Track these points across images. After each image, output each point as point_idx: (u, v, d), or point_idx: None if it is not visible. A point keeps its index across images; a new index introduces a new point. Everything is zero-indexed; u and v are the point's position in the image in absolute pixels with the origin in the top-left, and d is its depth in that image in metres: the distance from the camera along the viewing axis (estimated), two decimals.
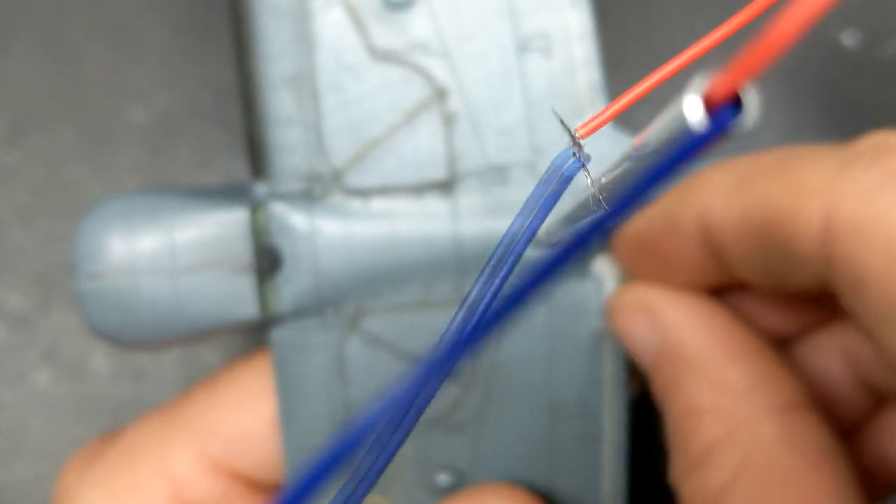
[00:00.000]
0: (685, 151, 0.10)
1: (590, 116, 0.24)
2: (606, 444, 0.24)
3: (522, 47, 0.24)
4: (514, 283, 0.11)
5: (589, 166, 0.14)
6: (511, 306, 0.11)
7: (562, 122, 0.13)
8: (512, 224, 0.14)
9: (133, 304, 0.23)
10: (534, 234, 0.13)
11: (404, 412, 0.13)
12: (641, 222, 0.22)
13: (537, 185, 0.14)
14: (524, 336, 0.24)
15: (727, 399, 0.20)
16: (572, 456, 0.25)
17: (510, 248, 0.14)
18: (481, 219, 0.23)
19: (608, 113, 0.12)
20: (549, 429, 0.24)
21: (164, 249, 0.23)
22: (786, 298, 0.23)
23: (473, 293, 0.14)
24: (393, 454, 0.12)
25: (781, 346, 0.23)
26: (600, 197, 0.14)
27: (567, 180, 0.13)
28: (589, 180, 0.13)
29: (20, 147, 0.35)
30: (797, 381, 0.21)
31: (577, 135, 0.13)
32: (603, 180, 0.14)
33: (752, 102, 0.10)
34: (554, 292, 0.24)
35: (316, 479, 0.11)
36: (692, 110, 0.10)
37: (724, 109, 0.10)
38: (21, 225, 0.35)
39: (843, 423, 0.23)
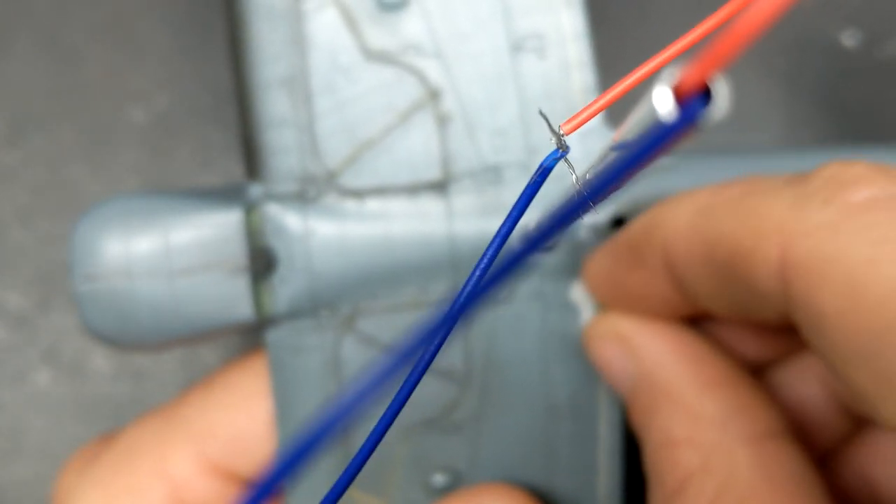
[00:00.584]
0: (655, 142, 0.10)
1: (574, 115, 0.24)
2: (602, 444, 0.24)
3: (516, 48, 0.24)
4: (489, 271, 0.11)
5: (576, 164, 0.14)
6: (484, 290, 0.11)
7: (545, 120, 0.13)
8: (501, 227, 0.14)
9: (129, 305, 0.23)
10: (512, 228, 0.13)
11: (392, 398, 0.13)
12: (608, 255, 0.22)
13: (527, 185, 0.14)
14: (519, 337, 0.24)
15: (702, 429, 0.20)
16: (568, 456, 0.25)
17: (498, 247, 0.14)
18: (476, 219, 0.23)
19: (592, 109, 0.12)
20: (545, 429, 0.24)
21: (159, 251, 0.23)
22: (760, 326, 0.22)
23: (462, 296, 0.14)
24: (381, 434, 0.13)
25: (758, 372, 0.23)
26: (584, 192, 0.14)
27: (546, 172, 0.13)
28: (574, 176, 0.13)
29: (20, 147, 0.35)
30: (773, 409, 0.21)
31: (561, 132, 0.13)
32: (587, 176, 0.14)
33: (722, 93, 0.10)
34: (546, 292, 0.24)
35: (300, 455, 0.11)
36: (661, 102, 0.10)
37: (693, 100, 0.10)
38: (21, 225, 0.35)
39: (821, 446, 0.23)
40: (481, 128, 0.23)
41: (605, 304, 0.23)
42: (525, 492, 0.24)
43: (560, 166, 0.15)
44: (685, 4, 0.35)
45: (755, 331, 0.23)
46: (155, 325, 0.23)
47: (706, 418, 0.20)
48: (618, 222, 0.23)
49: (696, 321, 0.23)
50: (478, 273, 0.14)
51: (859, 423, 0.23)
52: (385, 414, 0.13)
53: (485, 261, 0.14)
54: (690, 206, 0.20)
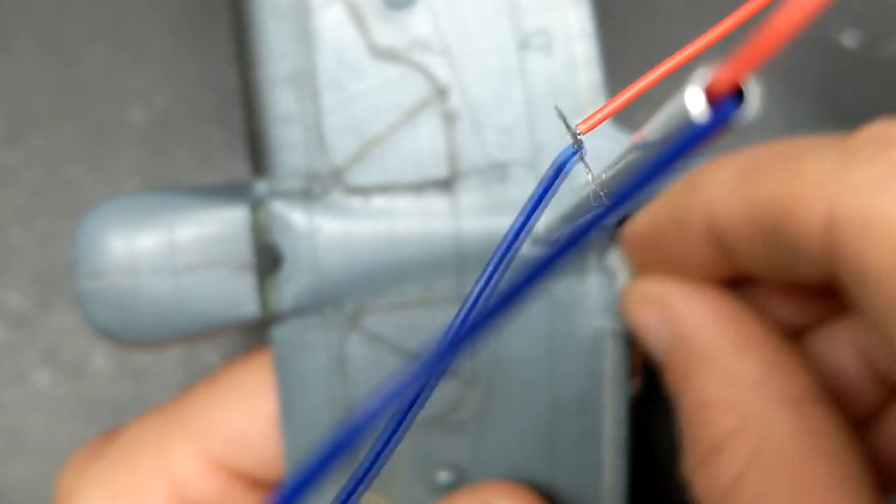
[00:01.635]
0: (687, 143, 0.10)
1: (590, 114, 0.24)
2: (607, 442, 0.24)
3: (523, 45, 0.24)
4: (512, 279, 0.11)
5: (589, 163, 0.14)
6: (508, 302, 0.11)
7: (562, 118, 0.13)
8: (514, 222, 0.14)
9: (134, 302, 0.23)
10: (529, 226, 0.13)
11: (403, 408, 0.13)
12: (647, 218, 0.22)
13: (539, 183, 0.14)
14: (525, 334, 0.24)
15: (738, 391, 0.20)
16: (573, 453, 0.25)
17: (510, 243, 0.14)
18: (482, 217, 0.24)
19: (609, 108, 0.12)
20: (549, 426, 0.24)
21: (164, 248, 0.23)
22: (798, 290, 0.22)
23: (475, 290, 0.14)
24: (391, 448, 0.12)
25: (795, 337, 0.23)
26: (601, 193, 0.14)
27: (560, 170, 0.13)
28: (590, 175, 0.13)
29: (20, 147, 0.35)
30: (809, 373, 0.21)
31: (577, 131, 0.13)
32: (603, 176, 0.14)
33: (754, 94, 0.10)
34: (552, 289, 0.24)
35: (315, 472, 0.11)
36: (694, 102, 0.10)
37: (725, 101, 0.10)
38: (21, 225, 0.35)
39: (856, 415, 0.23)
40: (487, 125, 0.24)
41: (643, 267, 0.23)
42: (530, 490, 0.24)
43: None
44: (688, 3, 0.35)
45: (793, 295, 0.23)
46: (159, 323, 0.23)
47: (742, 380, 0.20)
48: (625, 219, 0.24)
49: (734, 285, 0.23)
50: (490, 268, 0.14)
51: (894, 392, 0.23)
52: (394, 422, 0.13)
53: (497, 257, 0.14)
54: (734, 167, 0.20)
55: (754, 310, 0.22)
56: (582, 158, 0.14)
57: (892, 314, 0.16)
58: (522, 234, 0.13)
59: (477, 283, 0.14)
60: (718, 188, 0.20)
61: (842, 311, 0.23)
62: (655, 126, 0.12)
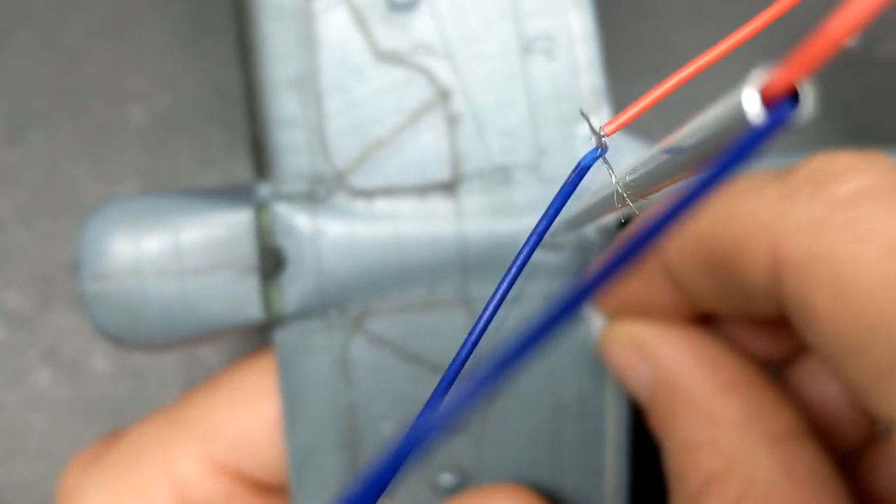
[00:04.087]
0: (744, 147, 0.10)
1: (595, 117, 0.24)
2: (609, 444, 0.25)
3: (526, 49, 0.24)
4: (519, 336, 0.11)
5: (610, 165, 0.14)
6: (516, 357, 0.10)
7: (586, 118, 0.13)
8: (537, 224, 0.14)
9: (138, 305, 0.23)
10: (548, 227, 0.13)
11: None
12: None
13: (563, 184, 0.14)
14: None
15: (723, 432, 0.20)
16: (576, 455, 0.25)
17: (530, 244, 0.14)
18: (485, 219, 0.24)
19: (634, 110, 0.12)
20: (552, 428, 0.24)
21: (169, 250, 0.23)
22: (774, 324, 0.23)
23: (498, 291, 0.14)
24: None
25: (777, 369, 0.23)
26: (625, 194, 0.14)
27: (584, 171, 0.13)
28: (613, 177, 0.13)
29: (20, 147, 0.35)
30: (792, 409, 0.21)
31: (602, 133, 0.13)
32: (627, 178, 0.14)
33: (809, 96, 0.10)
34: (555, 292, 0.24)
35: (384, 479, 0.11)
36: (750, 103, 0.10)
37: (781, 103, 0.10)
38: (21, 225, 0.35)
39: (842, 447, 0.23)
40: (491, 128, 0.24)
41: (612, 314, 0.23)
42: (533, 492, 0.24)
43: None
44: (686, 5, 0.35)
45: (768, 329, 0.23)
46: (164, 325, 0.23)
47: (727, 421, 0.20)
48: (624, 222, 0.24)
49: (710, 322, 0.23)
50: (514, 270, 0.14)
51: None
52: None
53: (520, 259, 0.14)
54: None
55: (732, 347, 0.22)
56: (604, 158, 0.14)
57: (836, 352, 0.16)
58: (545, 235, 0.13)
59: (501, 283, 0.14)
60: None
61: None
62: (693, 130, 0.11)
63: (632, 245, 0.10)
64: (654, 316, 0.22)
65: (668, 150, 0.12)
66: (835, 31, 0.09)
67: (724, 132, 0.10)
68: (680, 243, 0.20)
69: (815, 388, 0.23)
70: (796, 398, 0.23)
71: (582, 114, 0.14)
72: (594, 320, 0.24)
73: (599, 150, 0.13)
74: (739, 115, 0.10)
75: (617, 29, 0.34)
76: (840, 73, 0.35)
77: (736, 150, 0.10)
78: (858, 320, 0.16)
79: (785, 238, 0.17)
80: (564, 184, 0.13)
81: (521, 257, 0.13)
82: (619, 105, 0.24)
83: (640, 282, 0.21)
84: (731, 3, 0.34)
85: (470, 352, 0.11)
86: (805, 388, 0.23)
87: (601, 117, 0.24)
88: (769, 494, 0.19)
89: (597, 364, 0.24)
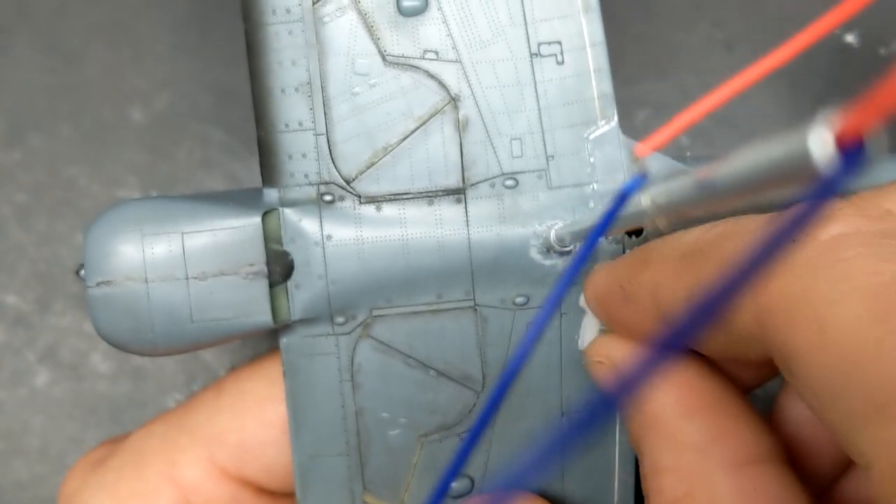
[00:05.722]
0: (822, 191, 0.09)
1: (601, 124, 0.24)
2: (617, 450, 0.25)
3: (535, 54, 0.24)
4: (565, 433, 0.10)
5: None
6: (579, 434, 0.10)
7: (627, 148, 0.13)
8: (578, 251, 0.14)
9: (144, 310, 0.23)
10: (588, 253, 0.13)
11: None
12: (602, 286, 0.22)
13: (605, 212, 0.14)
14: (537, 345, 0.24)
15: (685, 457, 0.20)
16: (583, 462, 0.25)
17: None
18: (493, 225, 0.23)
19: (669, 131, 0.12)
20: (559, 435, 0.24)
21: (175, 255, 0.23)
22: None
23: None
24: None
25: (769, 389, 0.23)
26: (658, 214, 0.13)
27: (624, 198, 0.13)
28: (644, 200, 0.13)
29: (20, 147, 0.35)
30: (762, 433, 0.21)
31: (639, 159, 0.13)
32: (659, 200, 0.14)
33: (879, 142, 0.09)
34: (563, 302, 0.24)
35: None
36: (821, 147, 0.09)
37: (853, 149, 0.09)
38: (20, 225, 0.34)
39: (821, 473, 0.23)
40: (499, 134, 0.23)
41: (605, 325, 0.23)
42: (541, 499, 0.24)
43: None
44: (687, 6, 0.35)
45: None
46: (170, 331, 0.23)
47: (689, 445, 0.20)
48: (633, 231, 0.24)
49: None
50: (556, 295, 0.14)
51: None
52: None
53: (562, 286, 0.14)
54: (676, 250, 0.20)
55: (709, 369, 0.22)
56: (645, 187, 0.13)
57: (815, 395, 0.16)
58: (588, 255, 0.13)
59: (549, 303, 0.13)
60: (661, 270, 0.20)
61: None
62: (741, 168, 0.11)
63: (702, 311, 0.09)
64: (641, 337, 0.22)
65: (708, 183, 0.12)
66: None
67: (782, 175, 0.10)
68: (673, 284, 0.20)
69: (798, 413, 0.23)
70: (782, 422, 0.23)
71: (622, 143, 0.14)
72: (586, 330, 0.24)
73: (640, 176, 0.13)
74: (803, 160, 0.09)
75: (619, 29, 0.34)
76: (844, 72, 0.35)
77: (815, 196, 0.09)
78: (837, 363, 0.16)
79: (769, 282, 0.17)
80: (607, 211, 0.13)
81: (560, 288, 0.13)
82: (620, 105, 0.24)
83: (633, 308, 0.21)
84: (731, 3, 0.34)
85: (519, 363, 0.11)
86: (788, 413, 0.23)
87: (610, 123, 0.23)
88: None
89: None
